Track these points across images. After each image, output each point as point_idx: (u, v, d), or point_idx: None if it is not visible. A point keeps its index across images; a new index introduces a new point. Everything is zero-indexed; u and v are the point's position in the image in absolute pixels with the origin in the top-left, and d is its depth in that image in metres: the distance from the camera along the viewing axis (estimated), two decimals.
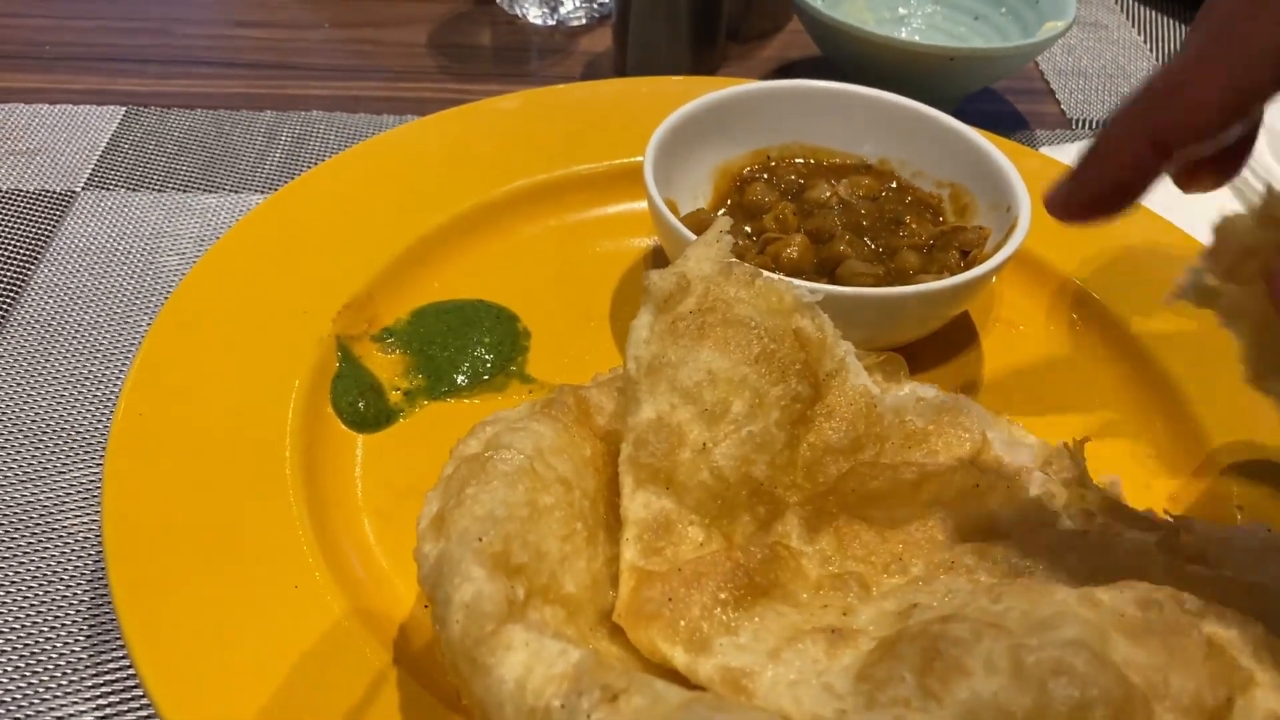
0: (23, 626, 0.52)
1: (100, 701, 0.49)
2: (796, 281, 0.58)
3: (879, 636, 0.42)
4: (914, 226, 0.68)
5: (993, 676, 0.37)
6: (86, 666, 0.50)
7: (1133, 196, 0.44)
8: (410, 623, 0.49)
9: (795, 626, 0.43)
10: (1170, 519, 0.51)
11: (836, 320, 0.58)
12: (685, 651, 0.42)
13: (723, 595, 0.44)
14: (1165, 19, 1.13)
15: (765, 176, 0.73)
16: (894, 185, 0.72)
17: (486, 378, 0.62)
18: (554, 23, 1.03)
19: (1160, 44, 1.09)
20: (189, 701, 0.43)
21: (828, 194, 0.70)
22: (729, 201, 0.72)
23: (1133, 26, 1.12)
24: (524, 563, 0.43)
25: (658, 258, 0.72)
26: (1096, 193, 0.45)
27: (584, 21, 1.04)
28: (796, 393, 0.50)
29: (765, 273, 0.57)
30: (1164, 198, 0.72)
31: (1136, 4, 1.16)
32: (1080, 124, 0.95)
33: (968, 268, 0.65)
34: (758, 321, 0.50)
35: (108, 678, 0.50)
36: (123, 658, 0.51)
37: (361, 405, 0.59)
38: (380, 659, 0.46)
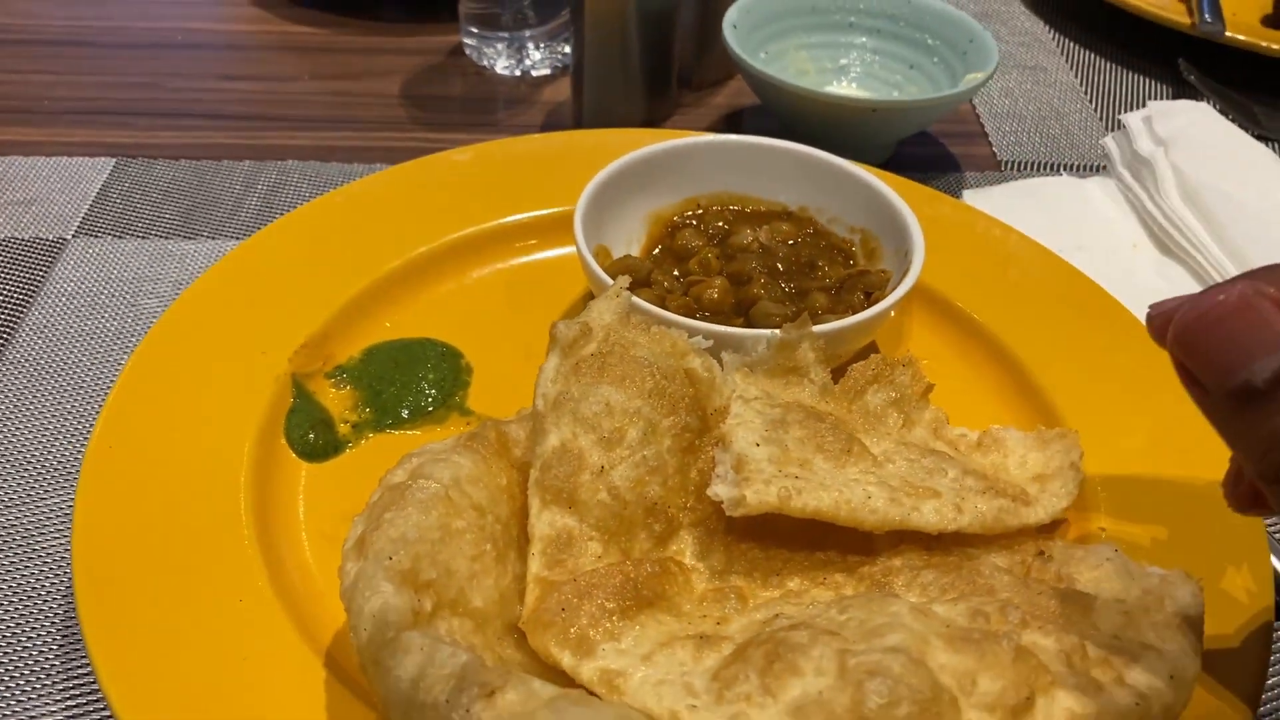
0: (4, 641, 0.58)
1: (69, 703, 0.55)
2: (700, 324, 0.64)
3: (741, 641, 0.48)
4: (826, 269, 0.74)
5: (820, 677, 0.43)
6: (59, 673, 0.57)
7: (1226, 336, 0.39)
8: (342, 632, 0.55)
9: (671, 634, 0.49)
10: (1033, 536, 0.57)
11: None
12: (572, 655, 0.48)
13: (610, 605, 0.50)
14: (1104, 61, 1.19)
15: (694, 223, 0.79)
16: (811, 231, 0.78)
17: (430, 410, 0.69)
18: (519, 74, 1.10)
19: (1095, 86, 1.15)
20: (143, 704, 0.49)
21: (750, 239, 0.76)
22: (660, 247, 0.78)
23: (1071, 69, 1.18)
24: (432, 579, 0.49)
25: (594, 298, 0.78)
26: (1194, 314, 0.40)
27: (548, 72, 1.11)
28: (686, 424, 0.56)
29: (664, 314, 0.64)
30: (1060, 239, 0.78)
31: (1078, 48, 1.22)
32: (1009, 166, 1.01)
33: (870, 308, 0.70)
34: (651, 361, 0.56)
35: (77, 683, 0.56)
36: (90, 677, 0.57)
37: (312, 437, 0.65)
38: (313, 664, 0.52)
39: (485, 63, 1.11)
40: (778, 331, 0.63)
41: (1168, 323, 0.42)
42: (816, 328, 0.63)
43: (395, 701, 0.44)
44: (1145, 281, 0.86)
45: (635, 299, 0.64)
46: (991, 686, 0.43)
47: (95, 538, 0.55)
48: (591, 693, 0.46)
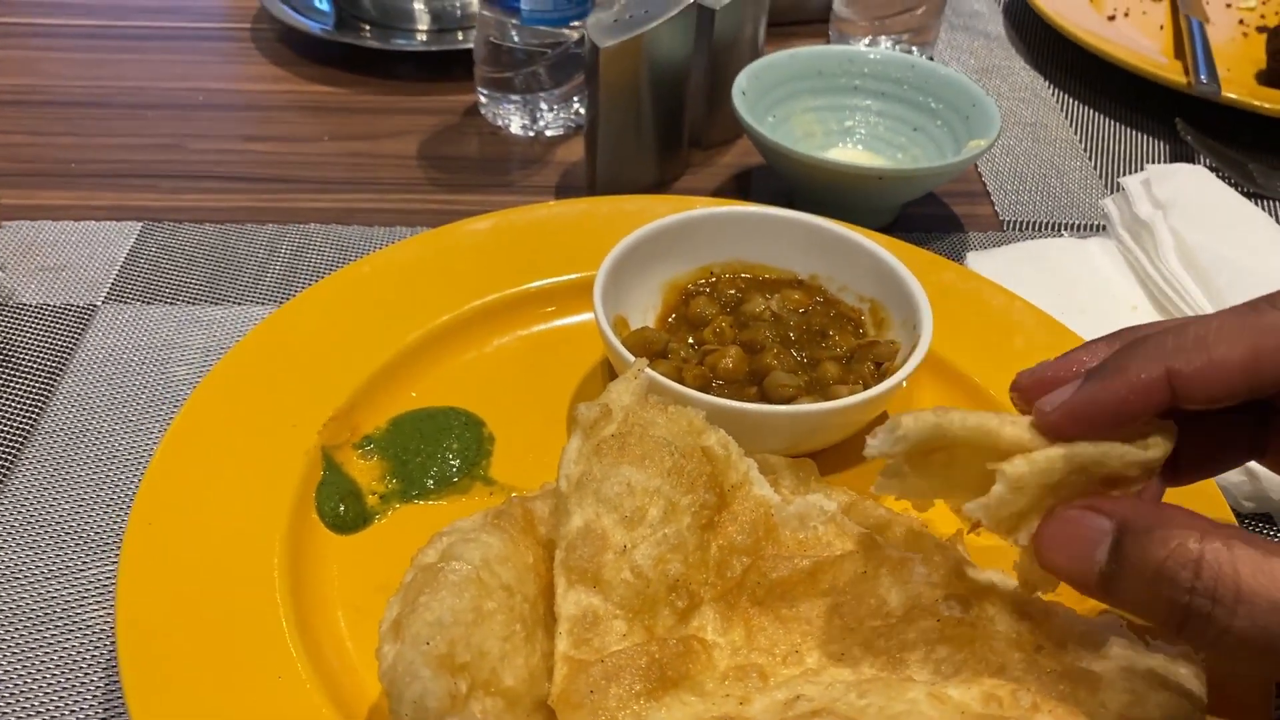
0: (41, 714, 0.60)
1: None
2: (717, 400, 0.66)
3: None
4: (836, 339, 0.77)
5: None
6: None
7: (1122, 421, 0.47)
8: (377, 708, 0.57)
9: (697, 715, 0.51)
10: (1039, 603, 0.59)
11: (757, 432, 0.67)
12: None
13: (637, 687, 0.52)
14: (1103, 118, 1.22)
15: (708, 291, 0.81)
16: (821, 299, 0.80)
17: (454, 480, 0.71)
18: (533, 134, 1.13)
19: (1095, 142, 1.18)
20: None
21: (762, 307, 0.79)
22: (675, 314, 0.80)
23: (1070, 125, 1.20)
24: (467, 661, 0.51)
25: (612, 366, 0.80)
26: (1095, 405, 0.47)
27: (561, 132, 1.14)
28: (704, 500, 0.58)
29: (682, 390, 0.66)
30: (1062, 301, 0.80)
31: (1077, 103, 1.25)
32: (1011, 225, 1.03)
33: (881, 378, 0.73)
34: (669, 441, 0.59)
35: None
36: None
37: (342, 509, 0.67)
38: None
39: (500, 122, 1.14)
40: (795, 408, 0.66)
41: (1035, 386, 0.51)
42: (834, 403, 0.66)
43: None
44: None
45: (654, 374, 0.66)
46: None
47: (138, 619, 0.57)
48: None
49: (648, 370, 0.64)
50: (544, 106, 1.13)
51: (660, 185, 1.05)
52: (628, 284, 0.78)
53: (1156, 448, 0.48)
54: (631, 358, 0.69)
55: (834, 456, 0.72)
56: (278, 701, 0.55)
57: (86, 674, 0.62)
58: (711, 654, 0.56)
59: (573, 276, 0.85)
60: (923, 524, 0.64)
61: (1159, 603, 0.44)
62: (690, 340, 0.78)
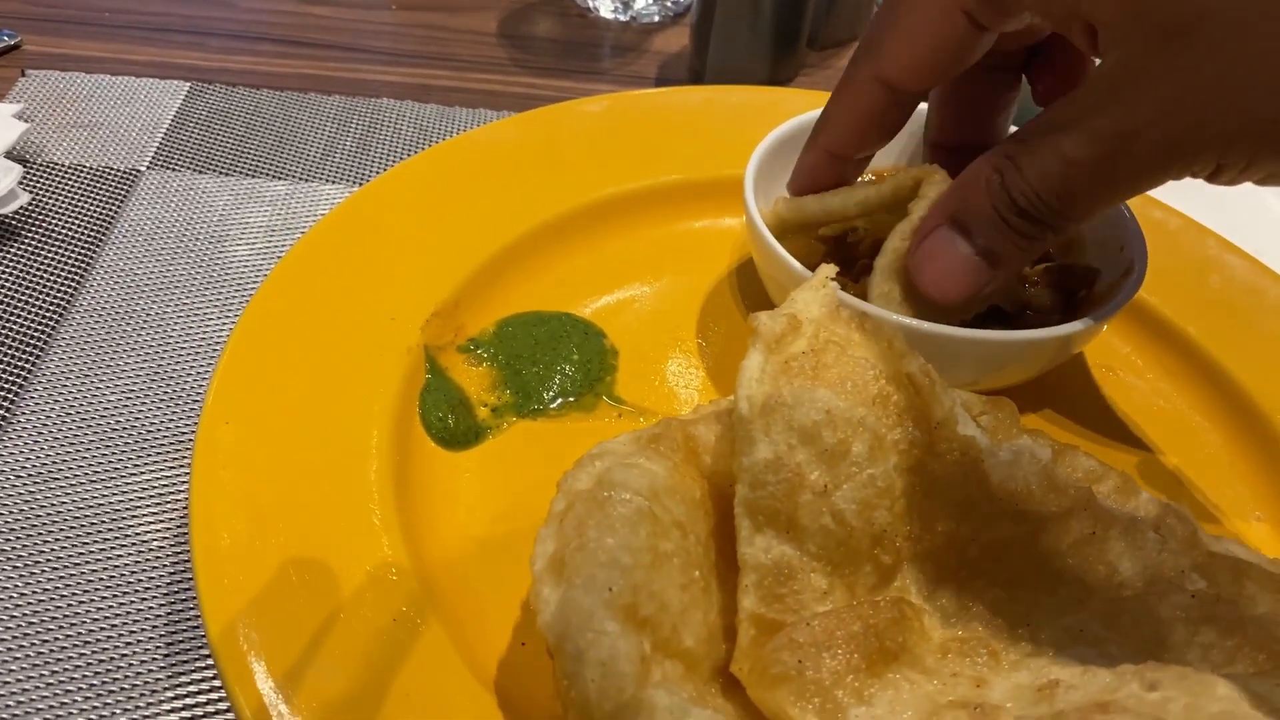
0: (96, 641, 0.49)
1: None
2: (914, 322, 0.56)
3: (1022, 715, 0.40)
4: None
5: None
6: (165, 688, 0.48)
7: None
8: (509, 664, 0.47)
9: (930, 698, 0.41)
10: None
11: (943, 360, 0.56)
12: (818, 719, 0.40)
13: (855, 659, 0.42)
14: None
15: None
16: None
17: (572, 399, 0.60)
18: (627, 18, 1.01)
19: None
20: None
21: None
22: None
23: None
24: (650, 615, 0.41)
25: (743, 276, 0.69)
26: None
27: (656, 19, 1.01)
28: (913, 438, 0.48)
29: (867, 305, 0.56)
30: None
31: None
32: None
33: (1075, 307, 0.63)
34: (872, 363, 0.48)
35: (187, 701, 0.48)
36: (201, 679, 0.48)
37: (451, 421, 0.56)
38: (482, 700, 0.44)
39: (589, 2, 1.01)
40: (1004, 334, 0.56)
41: None
42: (1038, 332, 0.56)
43: None
44: None
45: (840, 291, 0.55)
46: None
47: (219, 544, 0.46)
48: None
49: (835, 282, 0.53)
50: None
51: (773, 85, 0.93)
52: (770, 186, 0.67)
53: (931, 187, 0.58)
54: (801, 267, 0.58)
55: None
56: (396, 647, 0.45)
57: (143, 598, 0.51)
58: (922, 621, 0.46)
59: (695, 176, 0.73)
60: (1138, 480, 0.55)
61: (1022, 244, 0.51)
62: (843, 255, 0.67)
